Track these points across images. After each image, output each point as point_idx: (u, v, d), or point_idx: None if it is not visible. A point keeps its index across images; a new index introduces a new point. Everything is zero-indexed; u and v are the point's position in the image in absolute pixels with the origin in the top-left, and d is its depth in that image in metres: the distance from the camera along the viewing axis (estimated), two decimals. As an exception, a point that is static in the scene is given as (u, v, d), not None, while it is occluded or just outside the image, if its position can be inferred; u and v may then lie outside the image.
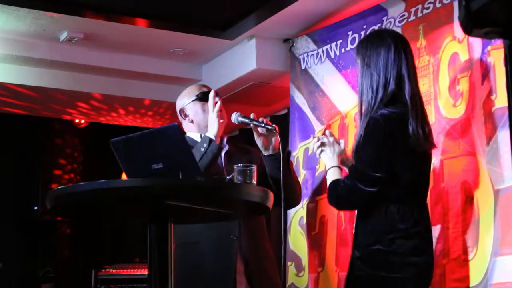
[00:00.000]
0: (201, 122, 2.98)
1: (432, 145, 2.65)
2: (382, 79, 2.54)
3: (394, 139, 2.50)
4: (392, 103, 2.54)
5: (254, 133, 2.80)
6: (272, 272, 2.91)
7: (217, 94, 2.90)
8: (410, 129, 2.50)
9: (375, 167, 2.49)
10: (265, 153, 2.83)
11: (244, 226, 2.86)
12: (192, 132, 3.01)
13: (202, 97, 2.97)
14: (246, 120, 2.77)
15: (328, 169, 2.67)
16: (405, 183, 2.52)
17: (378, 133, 2.50)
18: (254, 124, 2.77)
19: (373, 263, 2.51)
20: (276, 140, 2.79)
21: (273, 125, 2.75)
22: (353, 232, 2.64)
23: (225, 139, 2.99)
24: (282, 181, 2.62)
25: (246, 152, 3.02)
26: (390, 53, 2.56)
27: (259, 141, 2.81)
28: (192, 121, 3.02)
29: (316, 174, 4.22)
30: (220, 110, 2.83)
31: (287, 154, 2.84)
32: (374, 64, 2.56)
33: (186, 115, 3.02)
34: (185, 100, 3.03)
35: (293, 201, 3.01)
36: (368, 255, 2.52)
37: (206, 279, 2.83)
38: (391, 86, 2.54)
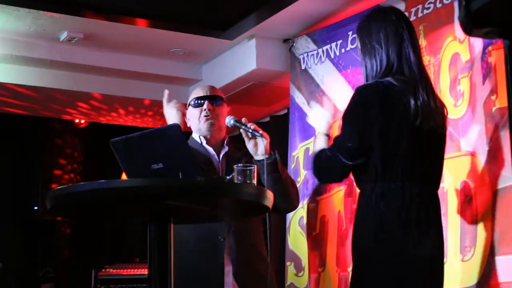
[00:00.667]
0: (193, 127, 3.05)
1: (438, 123, 2.49)
2: (383, 55, 2.46)
3: (369, 110, 2.39)
4: (391, 75, 2.44)
5: (244, 138, 2.82)
6: (266, 273, 2.89)
7: (208, 98, 2.97)
8: (405, 101, 2.39)
9: (348, 138, 2.42)
10: (255, 157, 2.84)
11: (234, 227, 2.85)
12: (193, 134, 3.06)
13: (193, 104, 3.02)
14: (237, 124, 2.81)
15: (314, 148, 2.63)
16: (382, 158, 2.38)
17: (353, 104, 2.44)
18: (243, 129, 2.79)
19: (365, 254, 2.42)
20: (266, 145, 2.79)
21: (260, 132, 2.75)
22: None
23: (226, 141, 3.00)
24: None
25: (246, 153, 3.03)
26: (392, 28, 2.48)
27: (249, 145, 2.83)
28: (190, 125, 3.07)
29: (316, 174, 4.22)
30: (206, 115, 2.95)
31: (275, 160, 2.82)
32: (375, 40, 2.48)
33: (188, 119, 3.07)
34: (187, 104, 3.09)
35: (287, 206, 2.96)
36: (360, 247, 2.44)
37: (194, 279, 2.82)
38: (391, 61, 2.46)
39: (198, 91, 3.06)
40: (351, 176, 2.55)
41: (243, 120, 2.81)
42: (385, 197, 2.38)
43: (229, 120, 2.85)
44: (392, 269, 2.37)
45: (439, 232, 2.46)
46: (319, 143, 2.60)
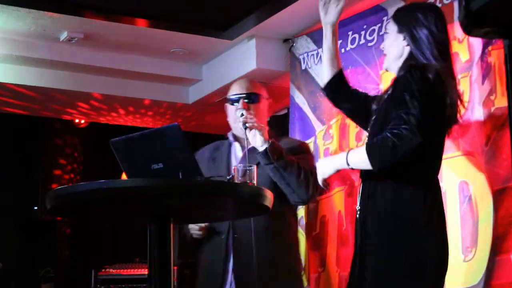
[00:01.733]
0: (230, 124, 3.01)
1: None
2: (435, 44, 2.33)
3: (445, 96, 2.27)
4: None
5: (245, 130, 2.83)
6: (266, 273, 2.88)
7: (244, 96, 2.93)
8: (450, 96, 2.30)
9: (423, 116, 2.20)
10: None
11: (234, 226, 2.85)
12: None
13: (230, 100, 2.98)
14: (240, 118, 2.82)
15: (347, 156, 2.34)
16: (435, 150, 2.33)
17: (430, 84, 2.24)
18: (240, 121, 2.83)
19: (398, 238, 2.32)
20: (262, 136, 2.77)
21: (247, 124, 2.76)
22: (361, 198, 2.40)
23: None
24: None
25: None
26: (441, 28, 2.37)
27: (249, 137, 2.82)
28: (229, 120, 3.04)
29: (316, 174, 4.21)
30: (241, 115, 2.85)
31: (265, 151, 2.78)
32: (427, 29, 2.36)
33: (227, 114, 3.04)
34: (227, 96, 3.02)
35: (294, 197, 2.84)
36: (392, 232, 2.32)
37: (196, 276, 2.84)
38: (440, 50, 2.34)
39: (235, 87, 2.99)
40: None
41: (244, 113, 2.82)
42: (438, 192, 2.33)
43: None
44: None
45: None
46: (358, 151, 2.37)
